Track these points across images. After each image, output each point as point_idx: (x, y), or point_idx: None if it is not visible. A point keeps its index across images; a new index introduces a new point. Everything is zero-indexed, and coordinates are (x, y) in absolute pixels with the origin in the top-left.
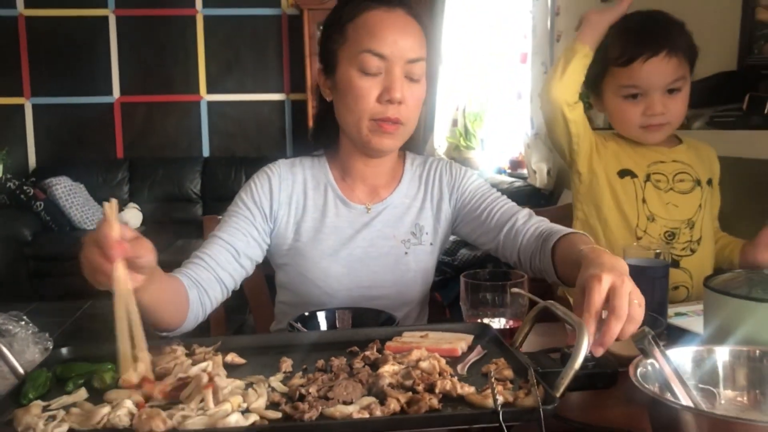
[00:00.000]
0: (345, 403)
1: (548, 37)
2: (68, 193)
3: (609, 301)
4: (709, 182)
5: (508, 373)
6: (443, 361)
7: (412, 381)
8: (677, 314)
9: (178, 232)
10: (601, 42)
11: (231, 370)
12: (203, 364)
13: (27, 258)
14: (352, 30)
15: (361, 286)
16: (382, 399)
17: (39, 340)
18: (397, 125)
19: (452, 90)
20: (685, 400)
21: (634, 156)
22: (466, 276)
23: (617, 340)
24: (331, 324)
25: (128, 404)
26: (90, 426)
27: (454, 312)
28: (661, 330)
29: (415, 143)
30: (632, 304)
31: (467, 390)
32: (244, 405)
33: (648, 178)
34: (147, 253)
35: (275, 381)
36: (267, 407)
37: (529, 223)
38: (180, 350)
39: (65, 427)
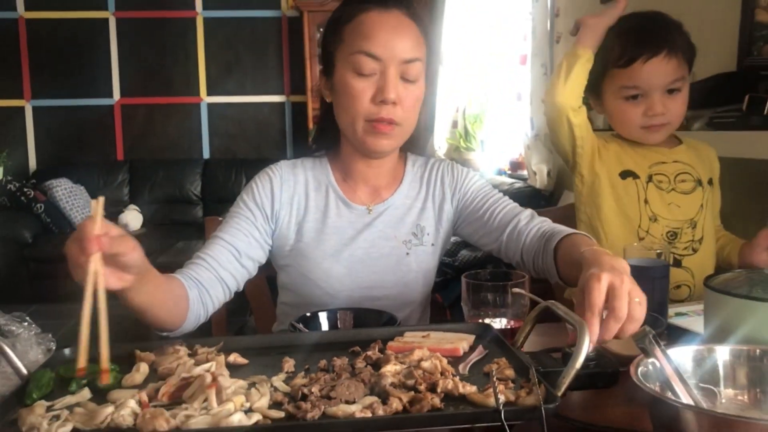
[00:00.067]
0: (347, 402)
1: (548, 39)
2: (69, 195)
3: (608, 301)
4: (710, 182)
5: (510, 372)
6: (445, 360)
7: (414, 380)
8: (677, 314)
9: (178, 233)
10: (600, 44)
11: (233, 370)
12: (206, 365)
13: (27, 260)
14: (347, 31)
15: (362, 287)
16: (384, 398)
17: (42, 340)
18: (392, 126)
19: (452, 91)
20: (686, 399)
21: (635, 157)
22: (468, 276)
23: (618, 338)
24: (332, 325)
25: (132, 404)
26: (94, 425)
27: (455, 313)
28: (661, 330)
29: (417, 144)
30: (633, 302)
31: (469, 389)
32: (247, 404)
33: (650, 178)
34: (129, 250)
35: (278, 381)
36: (270, 407)
37: (532, 223)
38: (183, 350)
39: (69, 426)
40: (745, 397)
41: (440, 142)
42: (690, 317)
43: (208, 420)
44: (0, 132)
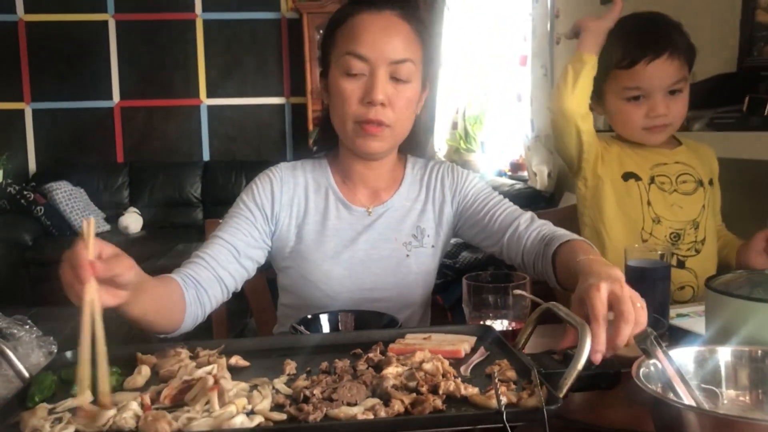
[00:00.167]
0: (349, 404)
1: (548, 40)
2: (68, 197)
3: (614, 307)
4: (711, 182)
5: (512, 374)
6: (446, 362)
7: (416, 382)
8: (679, 315)
9: (178, 236)
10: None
11: (235, 372)
12: (208, 367)
13: (27, 263)
14: (339, 34)
15: (362, 289)
16: (386, 400)
17: (43, 343)
18: (381, 128)
19: (452, 92)
20: (687, 400)
21: (637, 159)
22: (469, 278)
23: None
24: (333, 326)
25: (134, 407)
26: (96, 428)
27: (456, 315)
28: (663, 331)
29: (417, 146)
30: (635, 307)
31: (471, 391)
32: (249, 407)
33: (652, 180)
34: (126, 271)
35: (279, 383)
36: (272, 409)
37: (532, 227)
38: (184, 353)
39: (71, 429)
40: (747, 398)
41: (440, 143)
42: (691, 318)
43: (210, 422)
44: (0, 135)
